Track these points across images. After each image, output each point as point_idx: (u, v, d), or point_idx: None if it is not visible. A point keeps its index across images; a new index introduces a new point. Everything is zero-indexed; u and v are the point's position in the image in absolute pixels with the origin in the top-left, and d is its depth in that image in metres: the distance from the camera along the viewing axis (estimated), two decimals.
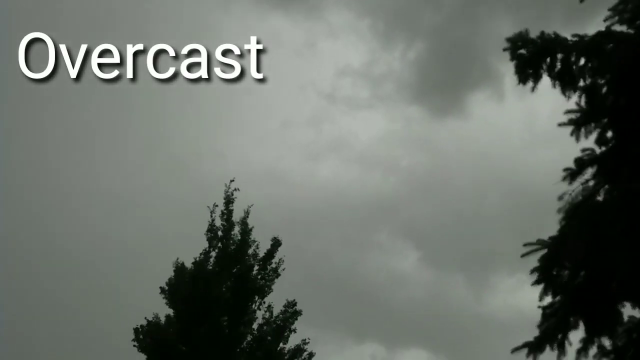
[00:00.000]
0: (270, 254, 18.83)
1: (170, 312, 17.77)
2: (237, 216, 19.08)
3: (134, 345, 17.31)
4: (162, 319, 17.64)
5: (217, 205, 18.99)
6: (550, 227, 9.92)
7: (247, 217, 19.07)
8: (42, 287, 36.21)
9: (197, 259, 18.31)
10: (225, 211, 18.97)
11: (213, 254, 18.53)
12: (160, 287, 17.92)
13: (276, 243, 18.93)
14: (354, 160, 55.46)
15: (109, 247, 39.05)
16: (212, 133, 53.36)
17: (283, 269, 18.84)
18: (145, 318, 17.57)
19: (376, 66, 57.31)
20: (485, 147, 53.36)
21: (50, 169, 43.64)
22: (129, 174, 46.36)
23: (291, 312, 18.37)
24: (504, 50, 9.85)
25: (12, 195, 40.06)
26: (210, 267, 18.29)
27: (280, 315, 18.29)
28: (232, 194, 19.13)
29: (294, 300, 18.53)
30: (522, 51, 9.85)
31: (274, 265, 18.79)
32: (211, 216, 18.85)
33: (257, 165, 50.75)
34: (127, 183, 45.12)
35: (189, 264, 18.31)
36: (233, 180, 19.16)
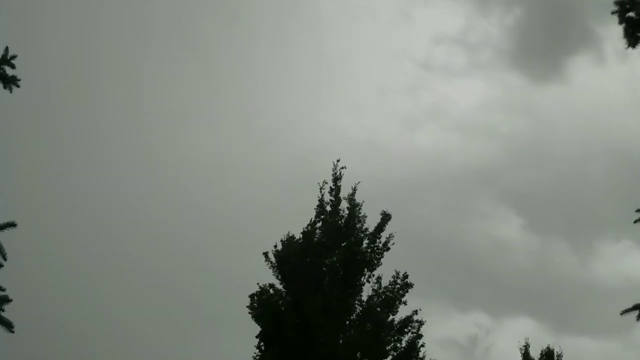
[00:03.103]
0: (380, 227, 19.11)
1: (275, 279, 18.30)
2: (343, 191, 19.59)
3: (249, 313, 17.78)
4: (270, 289, 18.03)
5: (326, 182, 19.51)
6: None
7: (355, 193, 19.55)
8: (139, 260, 37.46)
9: (306, 231, 18.74)
10: (333, 187, 19.47)
11: (319, 225, 18.92)
12: (264, 253, 18.40)
13: (386, 217, 19.22)
14: (453, 127, 55.00)
15: (205, 217, 40.09)
16: (307, 103, 53.78)
17: (392, 244, 19.11)
18: (258, 284, 18.02)
19: (472, 33, 56.56)
20: (587, 112, 51.88)
21: (146, 140, 44.84)
22: (225, 144, 47.27)
23: (402, 284, 18.56)
24: (612, 13, 9.76)
25: (109, 167, 41.55)
26: (317, 239, 18.64)
27: (390, 287, 18.52)
28: (340, 172, 19.64)
29: (406, 272, 18.74)
30: (631, 14, 9.75)
31: (383, 240, 19.08)
32: (321, 191, 19.37)
33: (354, 135, 50.94)
34: (223, 153, 46.02)
35: (294, 234, 18.80)
36: (339, 160, 19.74)
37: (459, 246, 46.45)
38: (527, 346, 26.09)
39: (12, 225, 6.35)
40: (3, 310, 6.30)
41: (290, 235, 18.75)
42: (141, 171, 43.79)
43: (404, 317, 18.33)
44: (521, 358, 26.00)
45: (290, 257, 18.27)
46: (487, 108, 55.30)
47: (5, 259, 6.42)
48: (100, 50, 46.27)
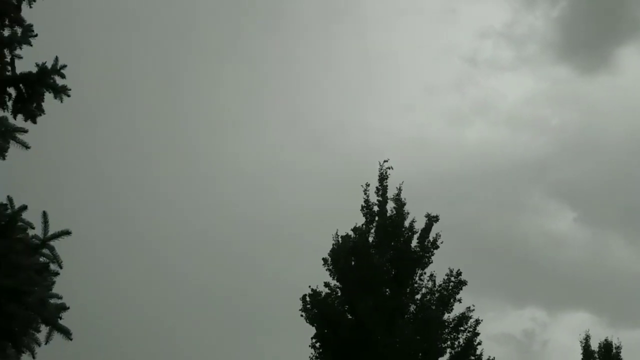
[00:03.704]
0: (428, 229, 19.08)
1: (330, 281, 18.34)
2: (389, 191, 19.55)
3: (301, 316, 17.92)
4: (326, 289, 18.15)
5: (368, 185, 19.47)
6: None
7: (400, 192, 19.49)
8: (190, 268, 37.63)
9: (356, 231, 18.75)
10: (380, 187, 19.40)
11: (370, 228, 18.94)
12: (323, 258, 18.45)
13: (431, 219, 19.17)
14: (501, 122, 54.50)
15: (254, 223, 40.09)
16: (355, 104, 53.61)
17: (441, 242, 19.09)
18: (310, 287, 18.10)
19: (518, 27, 55.90)
20: (637, 102, 50.81)
21: (192, 147, 44.97)
22: (272, 148, 47.23)
23: (456, 282, 18.52)
24: None
25: (156, 176, 41.80)
26: (368, 240, 18.68)
27: (443, 285, 18.48)
28: (386, 172, 19.58)
29: (459, 270, 18.71)
30: None
31: (431, 239, 19.03)
32: (365, 193, 19.31)
33: (402, 134, 50.72)
34: (270, 157, 45.95)
35: (347, 233, 18.81)
36: (387, 161, 19.69)
37: (512, 241, 45.93)
38: (587, 338, 25.86)
39: (66, 233, 6.42)
40: (61, 318, 6.35)
41: (343, 234, 18.77)
42: (187, 179, 44.08)
43: (459, 314, 18.32)
44: (582, 351, 25.78)
45: (342, 257, 18.33)
46: (535, 101, 54.73)
47: (61, 267, 6.49)
48: (143, 56, 46.76)
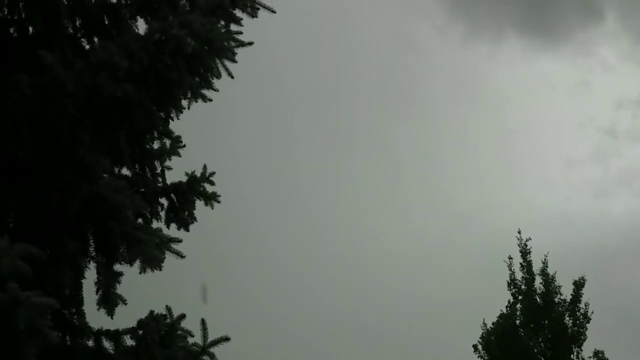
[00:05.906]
0: (576, 297, 18.34)
1: None
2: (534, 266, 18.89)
3: None
4: None
5: (512, 258, 18.89)
6: None
7: (546, 267, 18.82)
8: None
9: (504, 313, 18.17)
10: (524, 263, 18.79)
11: (518, 306, 18.28)
12: (473, 345, 17.98)
13: (579, 284, 18.42)
14: None
15: (402, 309, 39.60)
16: (494, 182, 53.17)
17: (592, 313, 18.30)
18: None
19: None
20: None
21: (333, 236, 45.33)
22: (415, 234, 47.06)
23: None
24: None
25: (305, 273, 42.18)
26: (519, 321, 18.00)
27: None
28: (527, 245, 18.93)
29: (602, 351, 17.87)
30: None
31: (582, 311, 18.26)
32: (510, 269, 18.77)
33: (545, 209, 49.41)
34: (414, 243, 45.73)
35: (494, 319, 18.24)
36: (520, 232, 19.11)
37: None
38: None
39: (225, 339, 6.44)
40: None
41: (491, 320, 18.32)
42: (332, 267, 44.37)
43: None
44: None
45: (492, 344, 17.77)
46: None
47: None
48: (281, 152, 48.14)
